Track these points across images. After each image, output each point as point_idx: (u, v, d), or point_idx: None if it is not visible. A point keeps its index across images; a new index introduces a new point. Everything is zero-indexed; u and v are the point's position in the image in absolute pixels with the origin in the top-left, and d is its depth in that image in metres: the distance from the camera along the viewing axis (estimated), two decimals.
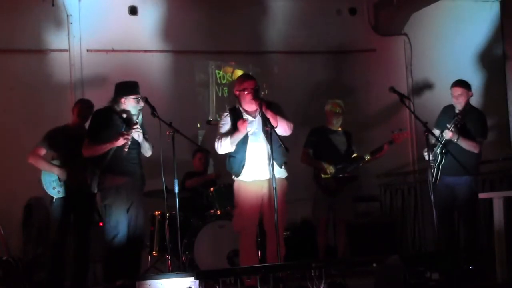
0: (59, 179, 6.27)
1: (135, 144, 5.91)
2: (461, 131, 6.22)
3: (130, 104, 5.86)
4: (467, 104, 6.37)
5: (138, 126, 5.84)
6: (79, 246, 6.30)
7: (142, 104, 5.90)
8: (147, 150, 6.01)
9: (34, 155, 6.32)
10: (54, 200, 6.26)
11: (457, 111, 6.36)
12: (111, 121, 5.85)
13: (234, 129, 5.74)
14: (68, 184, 6.26)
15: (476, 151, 6.29)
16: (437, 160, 6.30)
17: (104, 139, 5.76)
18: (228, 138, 5.73)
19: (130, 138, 5.78)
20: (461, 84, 6.42)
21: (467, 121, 6.32)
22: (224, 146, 5.75)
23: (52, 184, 6.27)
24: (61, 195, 6.27)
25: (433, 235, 6.23)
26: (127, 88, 5.90)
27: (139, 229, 5.92)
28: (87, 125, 6.27)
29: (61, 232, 6.26)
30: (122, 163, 5.81)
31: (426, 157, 6.24)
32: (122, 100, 5.86)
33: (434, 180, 6.21)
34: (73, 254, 6.30)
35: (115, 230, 5.75)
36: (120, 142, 5.75)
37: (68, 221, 6.29)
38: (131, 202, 5.84)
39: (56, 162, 6.32)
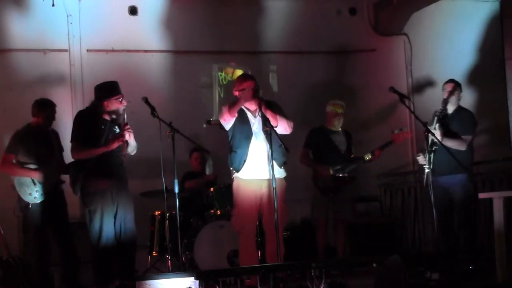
0: (34, 183, 6.11)
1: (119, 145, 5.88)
2: (446, 131, 6.23)
3: (114, 106, 5.79)
4: (455, 102, 6.41)
5: (129, 126, 5.79)
6: (64, 249, 6.23)
7: (125, 103, 5.85)
8: (133, 149, 5.94)
9: (5, 163, 6.19)
10: (30, 206, 6.11)
11: (450, 110, 6.38)
12: (96, 123, 5.77)
13: (239, 122, 5.78)
14: (44, 187, 6.13)
15: (463, 149, 6.28)
16: (429, 160, 6.26)
17: (95, 142, 5.69)
18: (228, 105, 5.77)
19: (125, 140, 5.75)
20: (455, 81, 6.51)
21: (454, 119, 6.36)
22: (223, 112, 5.79)
23: (27, 190, 6.10)
24: (37, 200, 6.12)
25: (433, 235, 6.23)
26: (108, 90, 5.82)
27: (129, 231, 5.83)
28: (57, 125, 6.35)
29: (42, 236, 6.16)
30: (106, 165, 5.73)
31: (420, 161, 6.27)
32: (105, 103, 5.77)
33: (426, 184, 6.18)
34: (60, 257, 6.24)
35: (98, 233, 5.68)
36: (115, 145, 5.72)
37: (46, 224, 6.17)
38: (117, 204, 5.76)
39: (30, 166, 6.17)
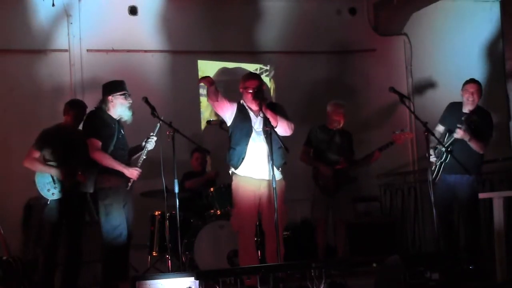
0: (54, 181, 6.17)
1: (125, 145, 5.99)
2: (474, 132, 6.21)
3: (118, 101, 5.87)
4: (476, 103, 6.33)
5: (152, 135, 5.93)
6: (71, 248, 6.24)
7: (130, 100, 5.92)
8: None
9: (29, 158, 6.26)
10: (48, 202, 6.16)
11: (466, 110, 6.31)
12: (108, 121, 5.87)
13: (240, 119, 5.80)
14: (63, 185, 6.17)
15: (482, 152, 6.28)
16: (441, 158, 6.28)
17: (107, 140, 5.79)
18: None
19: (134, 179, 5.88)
20: (477, 82, 6.39)
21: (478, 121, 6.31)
22: (210, 102, 5.93)
23: (47, 186, 6.16)
24: (55, 197, 6.15)
25: (433, 235, 6.22)
26: (114, 85, 5.93)
27: (130, 229, 5.92)
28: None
29: (56, 234, 6.19)
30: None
31: (432, 157, 6.25)
32: (110, 98, 5.86)
33: (434, 178, 6.19)
34: (65, 256, 6.24)
35: (118, 230, 5.74)
36: (128, 174, 5.80)
37: (61, 223, 6.22)
38: (125, 202, 5.86)
39: (52, 163, 6.23)
